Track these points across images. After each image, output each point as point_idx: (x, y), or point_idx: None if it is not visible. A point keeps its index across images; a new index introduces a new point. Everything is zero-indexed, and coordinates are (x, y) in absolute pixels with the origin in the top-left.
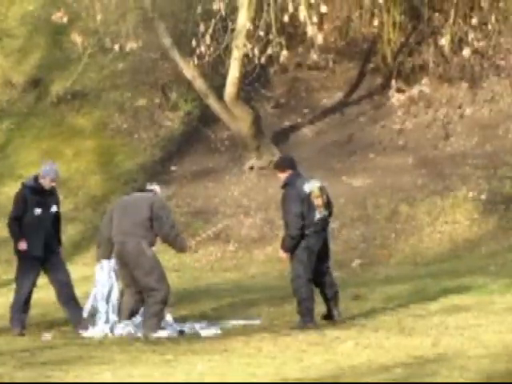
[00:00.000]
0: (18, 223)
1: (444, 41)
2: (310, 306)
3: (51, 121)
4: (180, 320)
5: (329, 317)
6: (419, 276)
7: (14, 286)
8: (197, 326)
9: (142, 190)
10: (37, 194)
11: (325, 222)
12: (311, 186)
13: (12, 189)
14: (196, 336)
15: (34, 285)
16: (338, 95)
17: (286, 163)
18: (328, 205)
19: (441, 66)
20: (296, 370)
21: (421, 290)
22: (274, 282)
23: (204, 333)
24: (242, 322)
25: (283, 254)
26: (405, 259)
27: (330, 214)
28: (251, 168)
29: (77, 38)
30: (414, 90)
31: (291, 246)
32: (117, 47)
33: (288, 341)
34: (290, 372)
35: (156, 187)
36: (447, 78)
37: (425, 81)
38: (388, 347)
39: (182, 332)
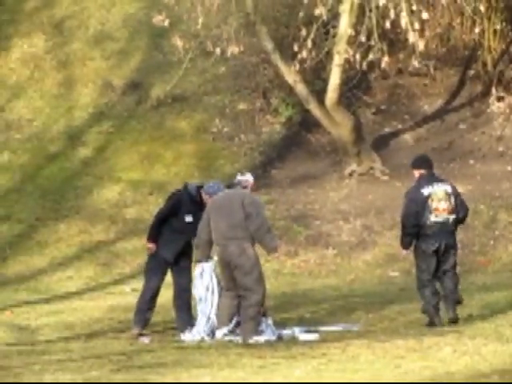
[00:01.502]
0: (162, 224)
1: None
2: (433, 306)
3: (151, 124)
4: (278, 324)
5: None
6: None
7: (112, 288)
8: (296, 330)
9: (233, 184)
10: (193, 202)
11: (445, 225)
12: (433, 190)
13: (110, 192)
14: (294, 341)
15: (161, 282)
16: (439, 102)
17: (417, 163)
18: (456, 210)
19: None
20: (393, 377)
21: None
22: (372, 288)
23: (303, 338)
24: (340, 328)
25: (403, 251)
26: (503, 267)
27: (459, 220)
28: (351, 174)
29: (178, 42)
30: None
31: (406, 242)
32: (218, 51)
33: (386, 347)
34: (386, 378)
35: (247, 177)
36: None
37: None
38: (485, 354)
39: (280, 336)
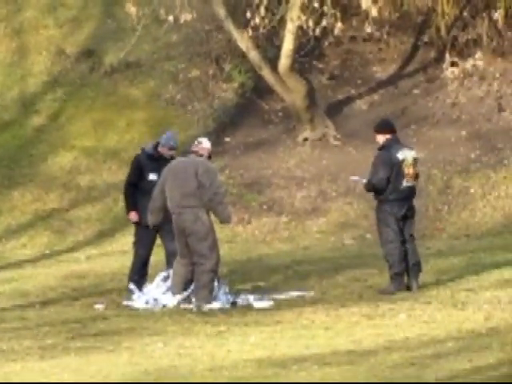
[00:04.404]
0: (133, 190)
1: (498, 14)
2: (401, 271)
3: (104, 91)
4: (233, 291)
5: (407, 287)
6: (472, 250)
7: (67, 256)
8: (250, 297)
9: (190, 151)
10: (153, 160)
11: (411, 191)
12: (405, 154)
13: (64, 159)
14: (249, 308)
15: (150, 249)
16: (392, 68)
17: (386, 126)
18: (417, 176)
19: (494, 39)
20: (348, 342)
21: (473, 263)
22: (326, 254)
23: (257, 304)
24: (294, 294)
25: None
26: (457, 232)
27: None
28: (305, 140)
29: (131, 9)
30: (468, 64)
31: (368, 191)
32: (171, 18)
33: (341, 313)
34: (341, 344)
35: (203, 142)
36: (501, 51)
37: (478, 54)
38: (440, 320)
39: (234, 303)
